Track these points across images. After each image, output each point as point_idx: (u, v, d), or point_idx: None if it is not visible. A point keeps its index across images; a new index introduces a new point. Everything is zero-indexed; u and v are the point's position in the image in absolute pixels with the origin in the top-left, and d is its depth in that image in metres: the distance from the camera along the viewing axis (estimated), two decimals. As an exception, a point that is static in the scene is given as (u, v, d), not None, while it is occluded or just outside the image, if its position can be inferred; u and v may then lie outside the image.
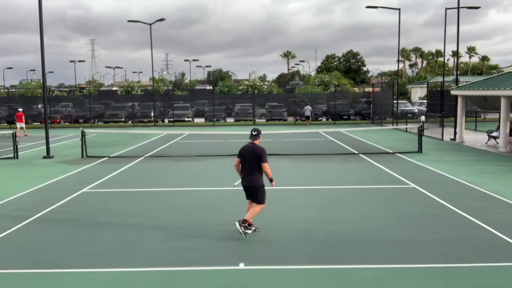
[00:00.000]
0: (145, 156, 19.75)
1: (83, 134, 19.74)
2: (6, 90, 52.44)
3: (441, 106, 31.94)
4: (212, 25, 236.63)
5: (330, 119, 41.58)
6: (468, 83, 26.76)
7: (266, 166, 8.40)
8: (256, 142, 8.62)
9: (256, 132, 8.64)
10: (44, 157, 19.47)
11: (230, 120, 43.02)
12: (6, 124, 41.74)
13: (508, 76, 21.90)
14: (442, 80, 36.08)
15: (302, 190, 12.61)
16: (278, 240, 8.37)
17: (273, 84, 62.24)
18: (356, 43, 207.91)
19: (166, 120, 43.34)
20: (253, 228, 8.68)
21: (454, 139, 24.47)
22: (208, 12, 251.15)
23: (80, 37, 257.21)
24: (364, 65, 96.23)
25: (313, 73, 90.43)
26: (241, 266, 7.15)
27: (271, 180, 8.64)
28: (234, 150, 21.45)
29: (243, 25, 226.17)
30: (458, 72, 33.91)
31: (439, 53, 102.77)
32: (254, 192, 8.53)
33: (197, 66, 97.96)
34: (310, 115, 37.93)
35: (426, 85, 43.54)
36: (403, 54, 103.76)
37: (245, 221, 8.45)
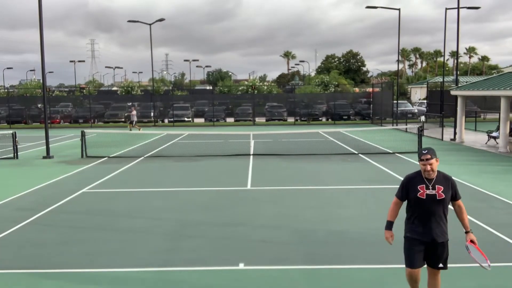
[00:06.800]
0: (145, 156, 19.75)
1: (83, 134, 19.75)
2: (6, 90, 52.44)
3: (441, 106, 31.92)
4: (238, 21, 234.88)
5: (330, 119, 41.65)
6: (468, 83, 26.76)
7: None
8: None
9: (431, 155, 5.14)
10: (44, 157, 19.46)
11: (230, 120, 43.06)
12: (6, 124, 41.71)
13: (508, 76, 21.91)
14: (442, 80, 36.09)
15: (302, 190, 12.60)
16: (277, 240, 8.37)
17: (272, 84, 62.29)
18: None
19: (166, 120, 43.36)
20: None
21: (454, 139, 24.47)
22: (234, 8, 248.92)
23: (97, 33, 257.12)
24: (364, 65, 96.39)
25: (313, 74, 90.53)
26: (241, 266, 7.14)
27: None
28: (234, 150, 21.58)
29: (270, 21, 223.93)
30: (458, 72, 33.90)
31: (438, 53, 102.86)
32: (442, 252, 5.38)
33: (197, 66, 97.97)
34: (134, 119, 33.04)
35: (426, 85, 43.55)
36: (403, 54, 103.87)
37: None
